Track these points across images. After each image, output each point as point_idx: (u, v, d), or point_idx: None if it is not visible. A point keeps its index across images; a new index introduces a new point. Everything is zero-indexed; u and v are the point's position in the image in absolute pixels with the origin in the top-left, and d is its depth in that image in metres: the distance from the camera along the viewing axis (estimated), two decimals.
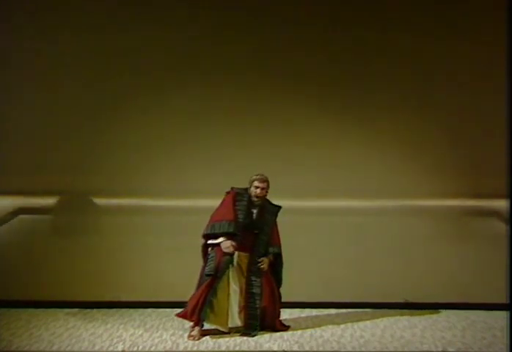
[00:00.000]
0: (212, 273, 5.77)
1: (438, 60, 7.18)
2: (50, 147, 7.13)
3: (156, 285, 6.96)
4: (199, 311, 5.75)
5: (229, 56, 7.15)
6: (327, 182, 7.15)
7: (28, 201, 7.13)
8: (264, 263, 5.99)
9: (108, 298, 6.99)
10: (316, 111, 7.17)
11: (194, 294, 5.85)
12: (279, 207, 6.18)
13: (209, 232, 5.88)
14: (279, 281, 6.11)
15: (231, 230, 5.81)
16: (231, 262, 5.88)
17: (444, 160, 7.20)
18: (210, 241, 5.91)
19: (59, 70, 7.12)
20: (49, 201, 7.17)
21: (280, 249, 6.06)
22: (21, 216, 7.19)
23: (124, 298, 6.99)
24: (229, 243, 5.84)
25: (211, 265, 5.81)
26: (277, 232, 6.14)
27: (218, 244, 5.86)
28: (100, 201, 7.21)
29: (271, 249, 6.01)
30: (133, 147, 7.12)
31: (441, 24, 7.19)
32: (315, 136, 7.19)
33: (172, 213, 7.10)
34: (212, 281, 5.79)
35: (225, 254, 5.84)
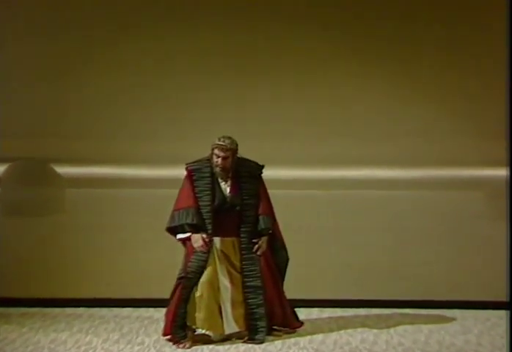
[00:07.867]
0: (182, 275, 5.47)
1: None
2: (1, 106, 6.69)
3: (138, 278, 6.55)
4: (180, 325, 5.41)
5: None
6: (353, 146, 6.70)
7: None
8: (260, 245, 5.51)
9: (74, 294, 6.61)
10: (332, 57, 6.68)
11: (168, 308, 5.50)
12: (260, 167, 5.63)
13: (168, 225, 5.54)
14: (281, 263, 5.68)
15: (189, 221, 5.42)
16: (205, 257, 5.43)
17: (502, 119, 6.51)
18: (179, 236, 5.53)
19: (11, 22, 6.72)
20: None
21: (270, 221, 5.55)
22: None
23: (96, 295, 6.60)
24: (197, 236, 5.42)
25: (181, 266, 5.54)
26: (266, 199, 5.62)
27: (189, 238, 5.53)
28: (65, 170, 6.77)
29: (258, 226, 5.51)
30: (105, 106, 6.70)
31: None
32: (335, 85, 6.69)
33: (157, 185, 6.62)
34: (185, 286, 5.43)
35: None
